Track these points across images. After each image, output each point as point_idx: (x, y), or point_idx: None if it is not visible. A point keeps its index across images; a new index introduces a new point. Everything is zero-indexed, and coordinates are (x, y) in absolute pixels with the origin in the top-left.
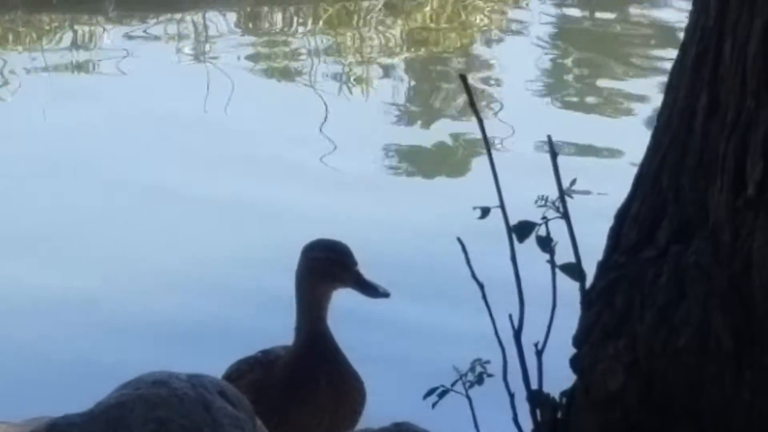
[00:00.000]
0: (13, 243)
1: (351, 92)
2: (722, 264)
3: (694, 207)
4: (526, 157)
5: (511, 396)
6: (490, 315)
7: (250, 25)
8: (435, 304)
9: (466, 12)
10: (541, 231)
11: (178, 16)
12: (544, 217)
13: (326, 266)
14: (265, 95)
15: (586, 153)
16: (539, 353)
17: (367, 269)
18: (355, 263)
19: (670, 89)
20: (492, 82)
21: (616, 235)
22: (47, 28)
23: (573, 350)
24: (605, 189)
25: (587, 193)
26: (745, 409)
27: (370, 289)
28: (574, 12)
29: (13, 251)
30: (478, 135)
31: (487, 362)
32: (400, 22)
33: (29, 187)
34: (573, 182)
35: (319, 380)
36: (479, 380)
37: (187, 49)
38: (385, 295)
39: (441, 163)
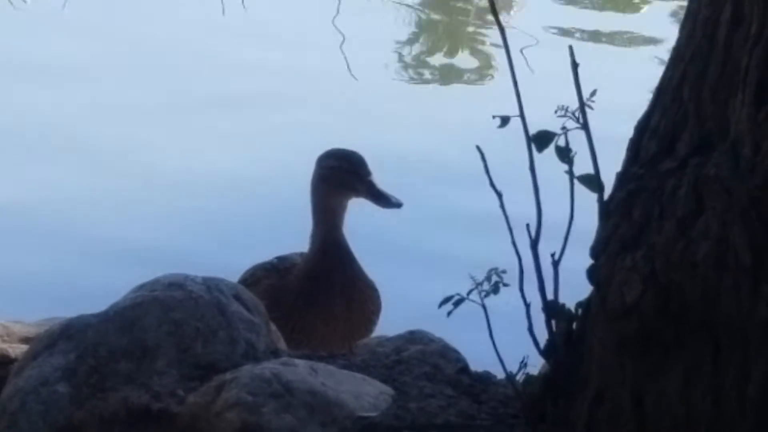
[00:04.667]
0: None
1: None
2: (742, 178)
3: (714, 120)
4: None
5: (527, 306)
6: (508, 224)
7: None
8: (452, 210)
9: None
10: (561, 141)
11: None
12: (563, 128)
13: (339, 175)
14: None
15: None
16: (556, 263)
17: (382, 174)
18: (368, 173)
19: (693, 0)
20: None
21: (635, 146)
22: None
23: (590, 261)
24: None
25: None
26: (760, 323)
27: (383, 199)
28: None
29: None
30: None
31: (504, 272)
32: None
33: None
34: (593, 93)
35: (333, 288)
36: (495, 289)
37: None
38: (398, 205)
39: (460, 71)
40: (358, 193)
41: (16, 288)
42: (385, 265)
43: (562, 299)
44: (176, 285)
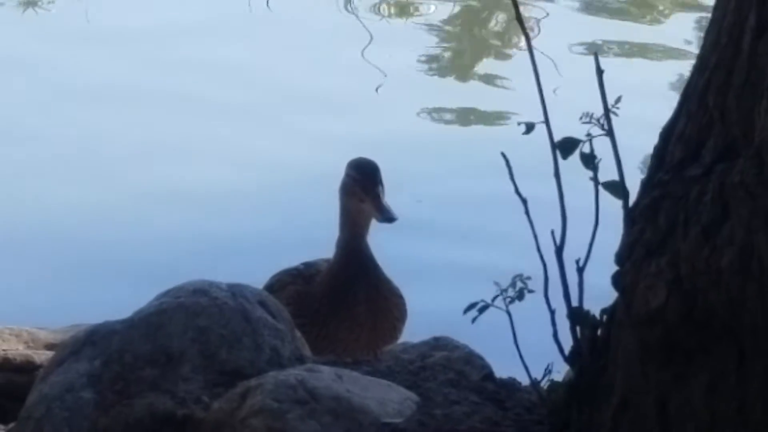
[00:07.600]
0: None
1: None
2: (767, 184)
3: (739, 126)
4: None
5: (552, 312)
6: (533, 230)
7: None
8: (479, 220)
9: None
10: (585, 148)
11: None
12: (588, 134)
13: (351, 184)
14: None
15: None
16: (580, 270)
17: (408, 185)
18: (375, 185)
19: (718, 8)
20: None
21: (660, 153)
22: None
23: (615, 267)
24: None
25: None
26: None
27: (377, 212)
28: None
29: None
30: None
31: (528, 278)
32: None
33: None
34: (618, 99)
35: (357, 295)
36: (520, 296)
37: None
38: (389, 219)
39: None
40: (365, 203)
41: (41, 295)
42: (410, 274)
43: (586, 306)
44: (201, 291)
